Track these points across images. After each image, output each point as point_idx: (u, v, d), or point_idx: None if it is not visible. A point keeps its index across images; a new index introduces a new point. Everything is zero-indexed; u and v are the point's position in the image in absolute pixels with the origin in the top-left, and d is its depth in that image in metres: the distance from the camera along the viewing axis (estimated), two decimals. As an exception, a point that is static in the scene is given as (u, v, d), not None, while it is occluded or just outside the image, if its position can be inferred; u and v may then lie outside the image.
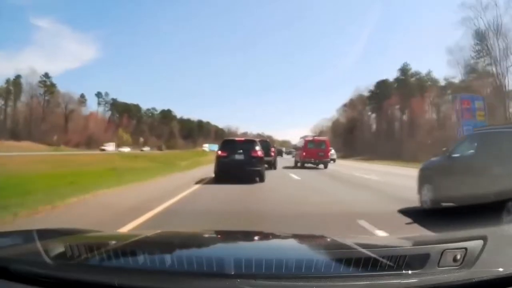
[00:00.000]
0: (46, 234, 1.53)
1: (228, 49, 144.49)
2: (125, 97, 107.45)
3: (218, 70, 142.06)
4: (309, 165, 22.26)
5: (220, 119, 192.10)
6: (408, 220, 5.44)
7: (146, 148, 76.27)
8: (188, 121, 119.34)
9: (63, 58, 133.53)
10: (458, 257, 1.10)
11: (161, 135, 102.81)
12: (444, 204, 5.78)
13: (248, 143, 12.34)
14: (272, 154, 19.34)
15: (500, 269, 1.04)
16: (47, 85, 74.88)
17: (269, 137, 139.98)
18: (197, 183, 11.17)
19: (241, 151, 11.66)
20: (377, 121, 74.54)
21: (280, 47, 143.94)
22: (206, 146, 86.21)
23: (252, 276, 1.05)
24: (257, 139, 14.37)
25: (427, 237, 2.52)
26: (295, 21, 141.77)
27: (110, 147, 62.92)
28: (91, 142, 70.45)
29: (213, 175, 12.09)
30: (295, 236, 2.18)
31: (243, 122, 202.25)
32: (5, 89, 68.23)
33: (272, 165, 18.85)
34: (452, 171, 5.72)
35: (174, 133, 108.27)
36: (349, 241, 1.69)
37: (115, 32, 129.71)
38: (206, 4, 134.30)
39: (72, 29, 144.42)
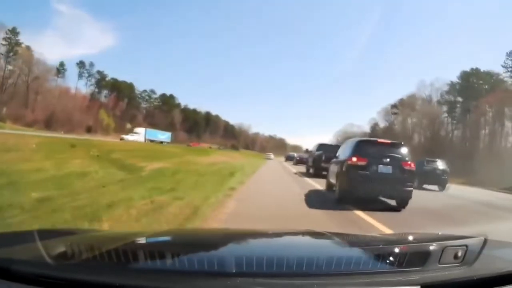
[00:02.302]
0: (47, 235, 1.50)
1: (247, 40, 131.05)
2: (120, 75, 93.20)
3: (233, 62, 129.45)
4: None
5: (228, 115, 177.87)
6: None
7: None
8: (193, 112, 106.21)
9: (80, 44, 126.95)
10: (459, 254, 1.11)
11: (157, 124, 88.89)
12: None
13: (394, 148, 8.64)
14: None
15: (501, 267, 1.10)
16: (12, 43, 60.09)
17: (281, 140, 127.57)
18: None
19: (388, 160, 8.18)
20: (465, 129, 53.64)
21: (300, 46, 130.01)
22: (140, 132, 57.85)
23: (253, 275, 1.06)
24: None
25: (428, 234, 2.08)
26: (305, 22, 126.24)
27: None
28: (55, 122, 58.00)
29: None
30: (296, 234, 2.10)
31: (254, 122, 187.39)
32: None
33: None
34: None
35: (174, 123, 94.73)
36: (350, 238, 1.73)
37: (134, 18, 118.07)
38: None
39: (91, 16, 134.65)
